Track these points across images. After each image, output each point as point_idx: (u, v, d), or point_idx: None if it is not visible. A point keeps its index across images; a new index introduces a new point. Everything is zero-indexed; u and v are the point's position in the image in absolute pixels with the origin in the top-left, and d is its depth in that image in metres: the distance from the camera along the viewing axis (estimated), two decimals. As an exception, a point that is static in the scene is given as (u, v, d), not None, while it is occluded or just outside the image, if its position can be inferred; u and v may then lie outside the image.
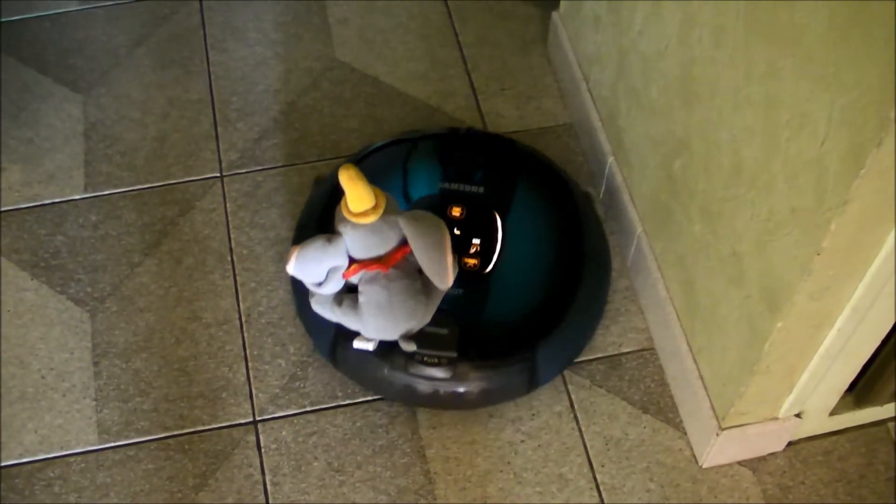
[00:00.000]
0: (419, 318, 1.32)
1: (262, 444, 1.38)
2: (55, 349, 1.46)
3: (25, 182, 1.63)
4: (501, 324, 1.38)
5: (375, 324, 1.31)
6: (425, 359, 1.34)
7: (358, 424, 1.39)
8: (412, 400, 1.39)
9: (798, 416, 1.30)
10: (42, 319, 1.49)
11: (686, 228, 1.28)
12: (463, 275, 1.39)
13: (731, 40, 1.07)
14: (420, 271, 1.30)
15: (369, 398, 1.41)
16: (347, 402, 1.41)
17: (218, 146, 1.67)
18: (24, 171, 1.64)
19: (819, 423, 1.34)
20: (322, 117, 1.69)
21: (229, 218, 1.59)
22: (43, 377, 1.44)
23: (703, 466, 1.36)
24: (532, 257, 1.43)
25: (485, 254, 1.41)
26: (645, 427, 1.39)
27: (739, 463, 1.36)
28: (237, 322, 1.48)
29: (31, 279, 1.53)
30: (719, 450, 1.32)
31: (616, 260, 1.53)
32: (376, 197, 1.25)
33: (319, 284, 1.30)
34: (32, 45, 1.80)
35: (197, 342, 1.47)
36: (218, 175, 1.63)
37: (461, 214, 1.44)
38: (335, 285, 1.30)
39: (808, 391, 1.24)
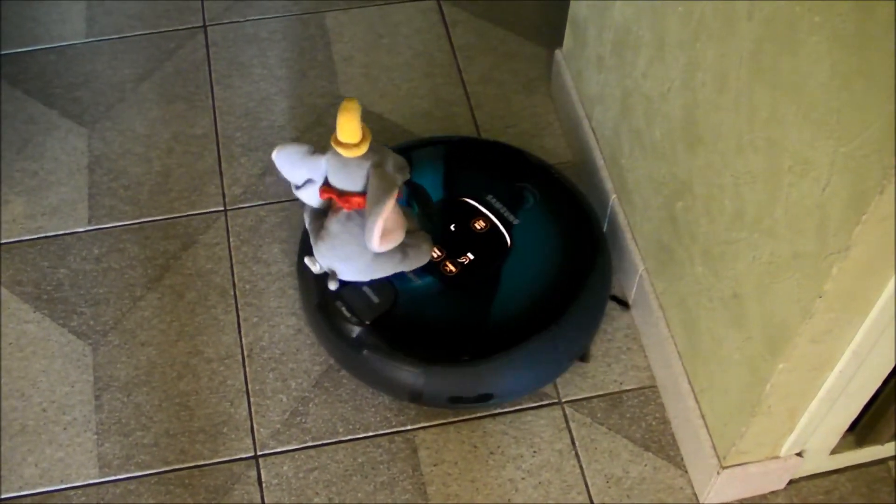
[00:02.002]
0: (356, 269, 1.39)
1: (263, 480, 1.38)
2: (57, 382, 1.47)
3: (29, 214, 1.63)
4: (431, 329, 1.40)
5: (321, 246, 1.38)
6: (343, 309, 1.39)
7: (359, 460, 1.39)
8: (327, 345, 1.46)
9: (799, 455, 1.31)
10: (44, 352, 1.49)
11: (688, 269, 1.29)
12: (436, 272, 1.43)
13: (734, 86, 1.08)
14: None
15: (371, 434, 1.41)
16: (349, 437, 1.41)
17: (222, 181, 1.68)
18: (28, 203, 1.65)
19: (820, 461, 1.35)
20: (326, 153, 1.70)
21: (232, 253, 1.59)
22: (44, 410, 1.44)
23: (704, 506, 1.36)
24: (515, 293, 1.42)
25: (469, 268, 1.44)
26: (646, 465, 1.39)
27: (740, 501, 1.36)
28: (239, 357, 1.49)
29: (34, 311, 1.53)
30: (720, 488, 1.33)
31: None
32: (364, 138, 1.31)
33: (298, 188, 1.38)
34: (39, 77, 1.82)
35: (198, 377, 1.47)
36: (221, 210, 1.64)
37: (482, 228, 1.47)
38: (309, 196, 1.38)
39: (810, 431, 1.24)
